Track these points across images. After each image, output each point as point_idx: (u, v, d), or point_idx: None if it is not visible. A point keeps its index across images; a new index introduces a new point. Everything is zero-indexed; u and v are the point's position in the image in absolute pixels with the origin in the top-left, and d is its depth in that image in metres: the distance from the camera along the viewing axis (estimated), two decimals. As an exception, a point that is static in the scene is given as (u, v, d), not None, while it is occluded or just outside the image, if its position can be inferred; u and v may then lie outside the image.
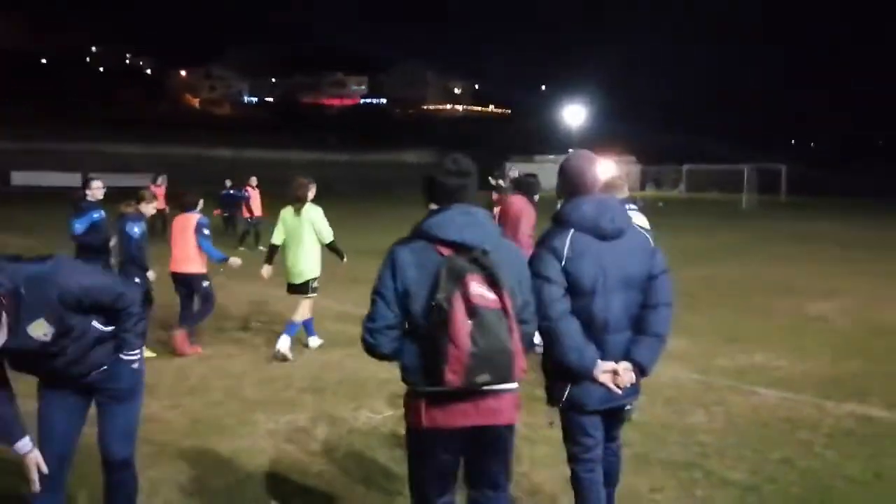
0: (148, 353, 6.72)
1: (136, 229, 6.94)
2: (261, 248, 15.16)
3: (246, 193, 16.64)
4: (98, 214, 7.37)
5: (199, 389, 6.02)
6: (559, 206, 3.18)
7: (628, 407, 3.24)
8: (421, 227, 2.66)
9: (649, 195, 42.03)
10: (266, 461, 4.56)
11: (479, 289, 2.47)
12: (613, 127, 70.15)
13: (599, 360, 3.03)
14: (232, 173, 19.62)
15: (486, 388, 2.53)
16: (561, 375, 3.09)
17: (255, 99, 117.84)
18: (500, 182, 12.33)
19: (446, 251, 2.57)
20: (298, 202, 7.02)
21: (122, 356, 3.00)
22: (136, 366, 3.05)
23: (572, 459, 3.22)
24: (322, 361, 6.97)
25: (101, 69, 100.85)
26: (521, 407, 2.78)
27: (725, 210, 34.17)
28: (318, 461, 4.57)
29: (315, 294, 7.19)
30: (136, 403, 3.16)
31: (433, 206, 2.75)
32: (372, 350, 2.66)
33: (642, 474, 4.33)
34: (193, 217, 7.32)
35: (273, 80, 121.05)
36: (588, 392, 3.06)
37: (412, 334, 2.61)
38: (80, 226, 7.29)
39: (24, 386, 3.03)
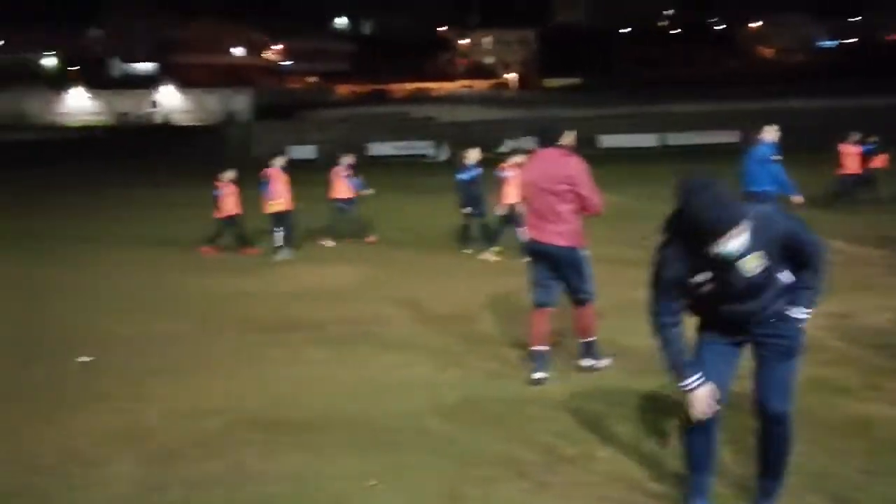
0: None
1: None
2: None
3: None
4: None
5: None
6: None
7: None
8: None
9: None
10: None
11: None
12: None
13: None
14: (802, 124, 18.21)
15: None
16: None
17: (832, 43, 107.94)
18: None
19: None
20: None
21: (792, 312, 3.10)
22: (802, 324, 3.14)
23: None
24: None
25: (674, 32, 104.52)
26: None
27: None
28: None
29: None
30: (796, 360, 3.23)
31: None
32: None
33: None
34: None
35: (851, 19, 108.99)
36: None
37: None
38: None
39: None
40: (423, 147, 39.01)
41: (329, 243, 12.38)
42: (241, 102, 61.31)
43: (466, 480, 3.99)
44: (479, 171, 11.38)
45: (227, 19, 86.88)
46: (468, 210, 11.36)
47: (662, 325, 3.19)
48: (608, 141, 45.28)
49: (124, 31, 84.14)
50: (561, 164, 5.21)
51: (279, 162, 11.78)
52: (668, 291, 3.12)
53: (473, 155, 11.46)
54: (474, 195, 11.26)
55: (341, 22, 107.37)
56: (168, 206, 19.91)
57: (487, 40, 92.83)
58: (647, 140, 44.93)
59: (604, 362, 5.62)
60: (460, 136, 38.77)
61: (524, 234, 5.71)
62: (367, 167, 32.58)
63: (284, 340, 6.85)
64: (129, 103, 62.14)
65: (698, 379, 3.14)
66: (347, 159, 12.44)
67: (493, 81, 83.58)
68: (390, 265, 10.72)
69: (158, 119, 60.34)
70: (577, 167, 5.20)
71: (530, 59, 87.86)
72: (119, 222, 16.96)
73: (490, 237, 11.22)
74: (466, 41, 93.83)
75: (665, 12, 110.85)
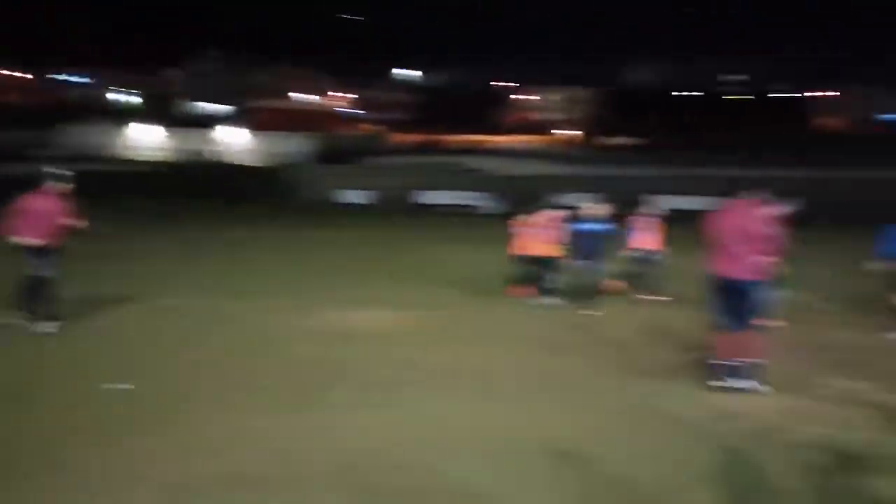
0: None
1: None
2: None
3: None
4: None
5: None
6: None
7: None
8: None
9: None
10: None
11: None
12: None
13: None
14: None
15: None
16: None
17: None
18: None
19: None
20: None
21: None
22: None
23: None
24: None
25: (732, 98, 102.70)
26: None
27: None
28: None
29: None
30: None
31: None
32: None
33: None
34: None
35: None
36: None
37: None
38: None
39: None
40: (474, 198, 38.83)
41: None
42: (297, 146, 63.00)
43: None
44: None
45: (298, 67, 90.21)
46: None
47: None
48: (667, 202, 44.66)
49: (199, 73, 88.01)
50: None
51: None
52: None
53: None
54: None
55: (410, 73, 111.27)
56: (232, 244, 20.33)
57: (541, 97, 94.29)
58: (697, 203, 44.19)
59: None
60: (508, 189, 38.93)
61: None
62: (415, 215, 33.03)
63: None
64: (192, 141, 64.49)
65: None
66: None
67: (544, 137, 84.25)
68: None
69: (215, 158, 62.31)
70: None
71: (586, 117, 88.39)
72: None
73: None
74: (522, 97, 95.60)
75: (731, 77, 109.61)
